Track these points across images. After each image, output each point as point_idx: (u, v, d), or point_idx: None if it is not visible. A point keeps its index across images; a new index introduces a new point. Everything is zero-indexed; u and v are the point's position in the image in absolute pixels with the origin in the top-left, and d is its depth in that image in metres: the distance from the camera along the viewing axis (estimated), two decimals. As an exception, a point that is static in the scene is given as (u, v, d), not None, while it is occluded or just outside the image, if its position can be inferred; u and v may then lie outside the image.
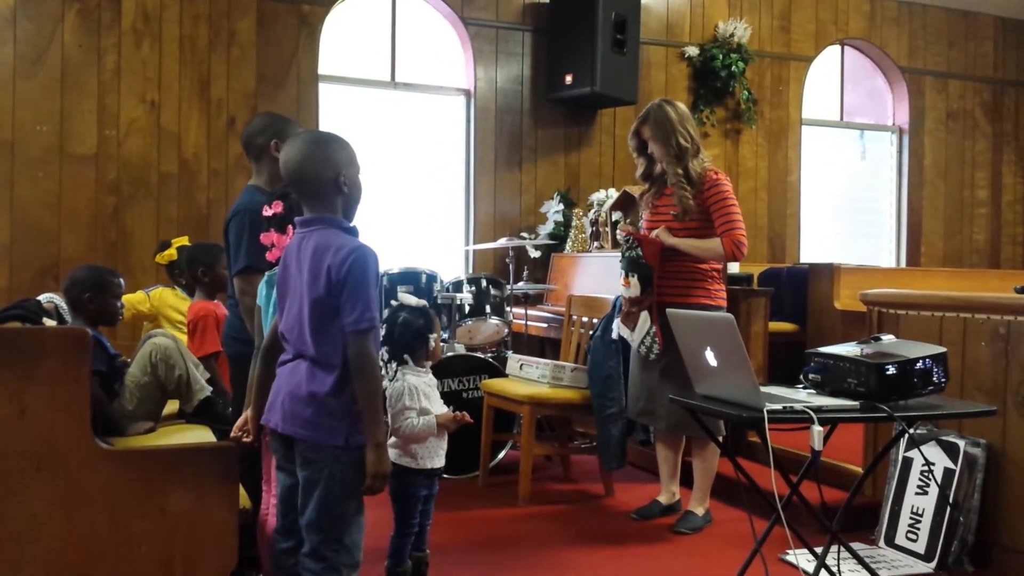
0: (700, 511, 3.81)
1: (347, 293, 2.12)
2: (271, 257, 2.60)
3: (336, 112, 6.17)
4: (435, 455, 2.95)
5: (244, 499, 2.73)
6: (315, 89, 6.02)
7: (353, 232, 2.28)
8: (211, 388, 3.23)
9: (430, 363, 3.04)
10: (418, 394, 2.91)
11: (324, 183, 2.26)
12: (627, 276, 3.73)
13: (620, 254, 3.80)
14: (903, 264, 7.84)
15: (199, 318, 3.77)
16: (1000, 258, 8.14)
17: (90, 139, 5.52)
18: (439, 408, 2.97)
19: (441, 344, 3.60)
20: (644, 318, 3.69)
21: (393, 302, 3.07)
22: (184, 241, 4.63)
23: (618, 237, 3.93)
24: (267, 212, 2.59)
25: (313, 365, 2.17)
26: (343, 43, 6.25)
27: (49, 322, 2.99)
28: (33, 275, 5.34)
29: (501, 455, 4.66)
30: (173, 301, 4.44)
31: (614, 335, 3.95)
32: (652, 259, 3.67)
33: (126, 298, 4.28)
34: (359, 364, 2.12)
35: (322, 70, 6.07)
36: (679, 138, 3.70)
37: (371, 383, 2.13)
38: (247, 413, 2.48)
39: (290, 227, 2.55)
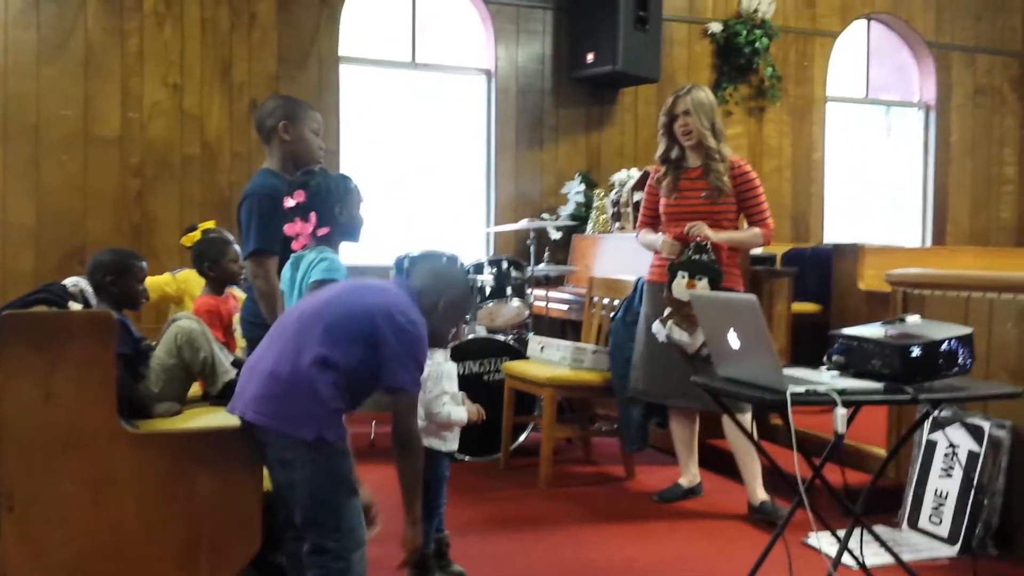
0: (762, 497, 3.67)
1: None
2: (296, 247, 2.62)
3: (357, 93, 6.17)
4: (457, 437, 3.04)
5: (268, 481, 2.76)
6: (336, 71, 6.01)
7: None
8: (236, 371, 3.25)
9: (450, 345, 3.10)
10: (449, 379, 2.96)
11: None
12: (692, 279, 3.63)
13: (683, 256, 3.67)
14: (929, 242, 7.76)
15: (202, 314, 3.76)
16: (1028, 236, 8.05)
17: (114, 122, 5.56)
18: (456, 390, 3.02)
19: (463, 326, 3.63)
20: None
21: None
22: (211, 225, 4.64)
23: (688, 231, 3.69)
24: (289, 203, 2.60)
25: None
26: (364, 24, 6.24)
27: (75, 306, 3.01)
28: (59, 258, 5.39)
29: (522, 437, 4.67)
30: (199, 283, 4.46)
31: (661, 338, 3.75)
32: (722, 264, 3.65)
33: (152, 279, 4.30)
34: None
35: (343, 51, 6.06)
36: (716, 118, 3.74)
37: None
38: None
39: (313, 214, 2.56)
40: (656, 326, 3.78)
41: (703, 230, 3.61)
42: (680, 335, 3.69)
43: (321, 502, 2.20)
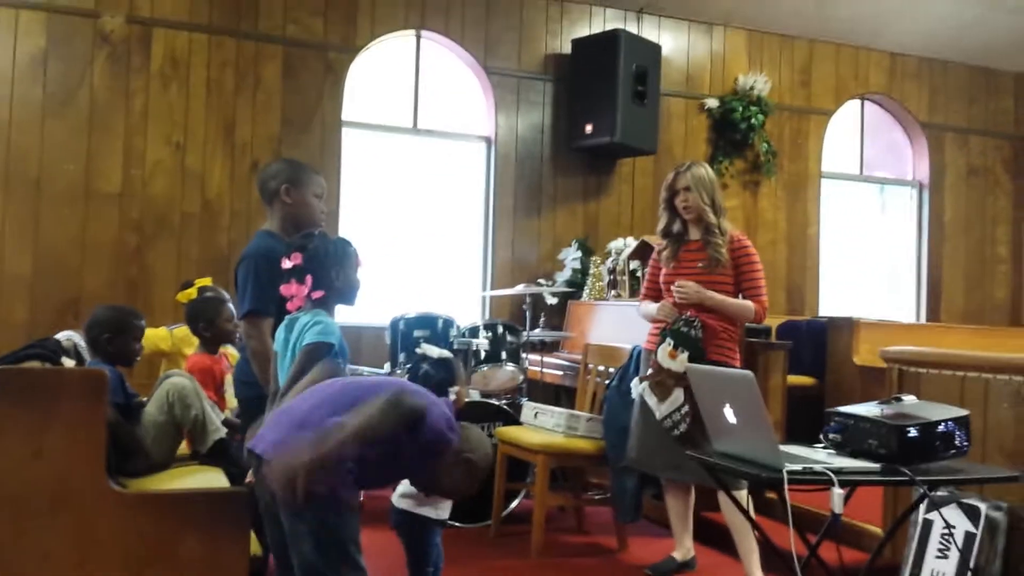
0: None
1: None
2: (291, 308, 2.61)
3: (359, 157, 6.24)
4: (449, 506, 3.00)
5: (255, 545, 2.72)
6: (338, 134, 6.08)
7: None
8: (226, 430, 3.23)
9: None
10: None
11: None
12: (675, 349, 3.65)
13: (673, 327, 3.69)
14: (923, 319, 7.78)
15: (195, 372, 3.75)
16: (1021, 315, 8.07)
17: (115, 178, 5.60)
18: None
19: (466, 390, 3.58)
20: (678, 395, 3.60)
21: (417, 351, 3.08)
22: (207, 282, 4.64)
23: (676, 295, 3.73)
24: (286, 264, 2.60)
25: None
26: (367, 90, 6.33)
27: (68, 362, 3.00)
28: (54, 310, 5.38)
29: (514, 504, 4.61)
30: (194, 341, 4.44)
31: (633, 394, 3.84)
32: (708, 344, 3.66)
33: (147, 332, 4.30)
34: None
35: (346, 116, 6.14)
36: (716, 194, 3.79)
37: None
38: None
39: (309, 277, 2.56)
40: (635, 382, 3.83)
41: (688, 289, 3.64)
42: (650, 398, 3.71)
43: (326, 556, 2.16)
